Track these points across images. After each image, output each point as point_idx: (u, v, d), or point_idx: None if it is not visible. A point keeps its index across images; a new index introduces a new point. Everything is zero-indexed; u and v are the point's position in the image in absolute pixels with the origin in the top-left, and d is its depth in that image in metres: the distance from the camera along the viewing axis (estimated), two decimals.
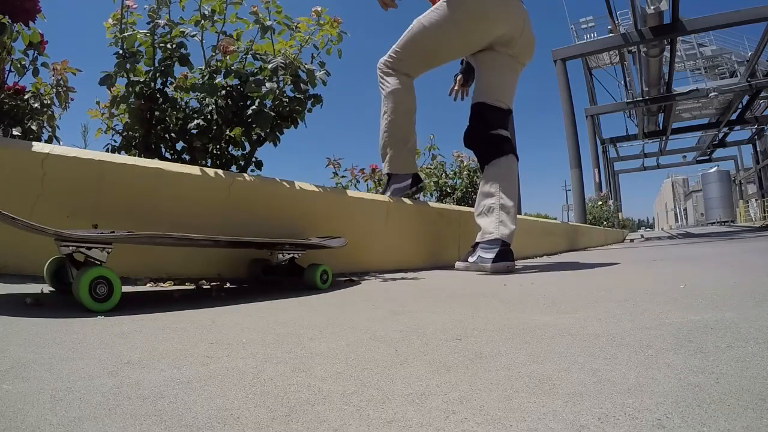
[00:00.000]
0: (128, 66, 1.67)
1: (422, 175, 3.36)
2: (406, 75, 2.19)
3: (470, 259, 2.11)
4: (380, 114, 2.23)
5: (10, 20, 1.42)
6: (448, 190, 4.07)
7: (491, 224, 2.07)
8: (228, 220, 1.55)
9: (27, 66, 1.61)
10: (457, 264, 2.22)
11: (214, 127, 1.78)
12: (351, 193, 2.20)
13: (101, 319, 0.83)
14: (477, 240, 2.13)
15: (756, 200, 24.80)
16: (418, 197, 2.62)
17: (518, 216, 4.36)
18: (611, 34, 11.77)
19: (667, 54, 12.26)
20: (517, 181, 2.21)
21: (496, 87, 2.15)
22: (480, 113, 2.15)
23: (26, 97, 1.63)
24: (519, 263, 2.83)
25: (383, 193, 2.35)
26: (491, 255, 2.00)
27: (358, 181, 3.17)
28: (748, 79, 14.18)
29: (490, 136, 2.13)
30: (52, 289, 1.09)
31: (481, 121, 2.15)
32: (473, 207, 2.34)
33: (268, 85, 1.75)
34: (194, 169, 1.52)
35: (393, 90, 2.19)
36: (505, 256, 2.02)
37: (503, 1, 2.02)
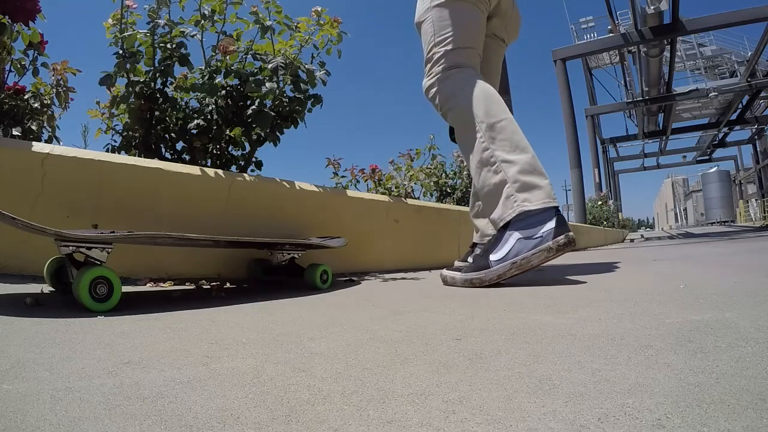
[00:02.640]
0: (128, 66, 1.67)
1: (422, 176, 3.35)
2: (475, 67, 1.66)
3: (469, 259, 2.06)
4: (464, 150, 1.57)
5: (10, 20, 1.42)
6: (448, 190, 4.07)
7: (489, 228, 1.95)
8: (228, 220, 1.55)
9: (27, 66, 1.61)
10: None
11: (214, 127, 1.78)
12: (351, 193, 2.20)
13: (101, 319, 0.83)
14: (474, 240, 2.10)
15: (756, 200, 24.79)
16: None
17: None
18: (611, 34, 11.78)
19: (667, 54, 12.26)
20: None
21: (495, 81, 2.00)
22: None
23: (26, 97, 1.63)
24: None
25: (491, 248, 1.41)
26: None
27: (358, 181, 3.16)
28: (748, 79, 14.18)
29: None
30: (52, 289, 1.09)
31: None
32: None
33: (268, 85, 1.75)
34: (194, 169, 1.52)
35: (452, 85, 1.57)
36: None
37: None
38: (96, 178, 1.30)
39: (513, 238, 1.36)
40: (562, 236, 1.30)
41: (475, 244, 2.04)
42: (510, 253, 1.35)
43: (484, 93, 1.52)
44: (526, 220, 1.35)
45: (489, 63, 1.91)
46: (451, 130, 1.89)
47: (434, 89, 1.62)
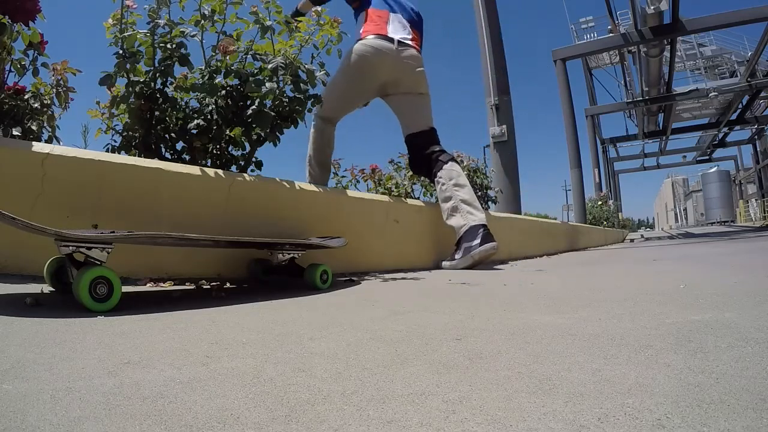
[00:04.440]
0: (128, 66, 1.66)
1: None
2: (325, 119, 2.58)
3: (456, 256, 2.27)
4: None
5: (10, 20, 1.41)
6: None
7: (461, 219, 2.31)
8: (228, 220, 1.55)
9: (27, 66, 1.61)
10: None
11: (214, 127, 1.78)
12: (351, 193, 2.20)
13: (101, 319, 0.83)
14: (457, 238, 2.31)
15: (756, 200, 24.78)
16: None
17: (518, 216, 4.37)
18: (611, 34, 11.77)
19: (667, 54, 12.25)
20: (465, 179, 2.48)
21: (413, 118, 2.53)
22: (411, 144, 2.53)
23: (26, 97, 1.62)
24: (519, 263, 2.83)
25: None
26: (477, 240, 2.21)
27: (358, 181, 3.16)
28: (748, 79, 14.16)
29: (426, 156, 2.47)
30: (52, 289, 1.09)
31: (414, 149, 2.53)
32: None
33: (268, 85, 1.74)
34: (194, 169, 1.52)
35: (312, 131, 2.62)
36: (488, 238, 2.24)
37: (378, 54, 2.39)
38: (96, 178, 1.30)
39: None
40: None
41: (459, 241, 2.33)
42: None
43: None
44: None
45: (402, 110, 2.55)
46: (410, 161, 2.63)
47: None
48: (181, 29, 1.72)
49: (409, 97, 2.52)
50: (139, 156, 1.73)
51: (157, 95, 1.73)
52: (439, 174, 2.41)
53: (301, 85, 1.87)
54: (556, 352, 0.60)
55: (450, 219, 2.36)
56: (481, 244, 2.19)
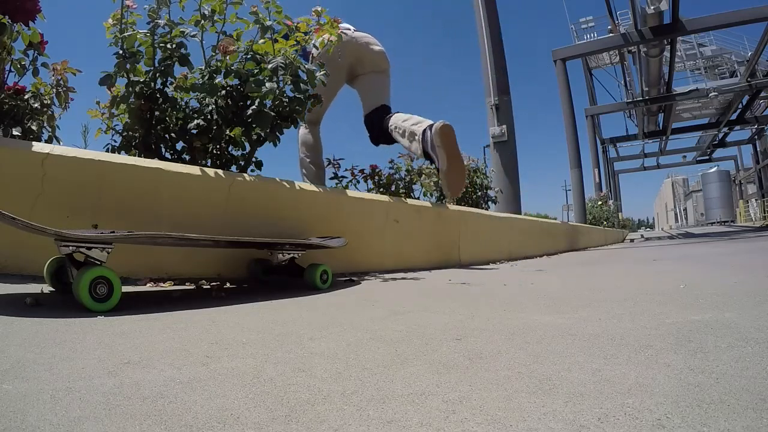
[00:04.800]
0: (128, 66, 1.66)
1: (422, 176, 3.37)
2: (308, 122, 2.92)
3: (437, 161, 2.44)
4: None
5: (10, 20, 1.41)
6: None
7: (416, 134, 2.51)
8: (228, 220, 1.55)
9: (27, 66, 1.61)
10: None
11: (214, 127, 1.78)
12: (351, 193, 2.20)
13: (101, 319, 0.83)
14: (425, 149, 2.49)
15: (756, 200, 24.77)
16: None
17: (518, 216, 4.39)
18: (611, 34, 11.77)
19: (667, 54, 12.25)
20: (409, 114, 2.67)
21: (371, 97, 2.83)
22: (368, 122, 2.81)
23: (26, 97, 1.62)
24: (519, 263, 2.84)
25: None
26: (427, 132, 2.42)
27: (358, 182, 3.16)
28: (748, 79, 14.15)
29: (378, 124, 2.73)
30: (52, 289, 1.09)
31: (371, 125, 2.80)
32: (473, 207, 2.42)
33: (268, 85, 1.74)
34: (194, 169, 1.52)
35: (299, 136, 3.00)
36: (429, 125, 2.45)
37: (341, 39, 2.51)
38: (96, 178, 1.30)
39: None
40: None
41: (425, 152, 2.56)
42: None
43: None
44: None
45: (364, 89, 2.84)
46: (370, 137, 2.82)
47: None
48: (181, 29, 1.72)
49: (371, 75, 2.84)
50: (139, 156, 1.73)
51: (157, 95, 1.73)
52: (390, 125, 2.66)
53: (301, 85, 1.87)
54: (556, 352, 0.60)
55: (414, 144, 2.54)
56: (429, 130, 2.38)
